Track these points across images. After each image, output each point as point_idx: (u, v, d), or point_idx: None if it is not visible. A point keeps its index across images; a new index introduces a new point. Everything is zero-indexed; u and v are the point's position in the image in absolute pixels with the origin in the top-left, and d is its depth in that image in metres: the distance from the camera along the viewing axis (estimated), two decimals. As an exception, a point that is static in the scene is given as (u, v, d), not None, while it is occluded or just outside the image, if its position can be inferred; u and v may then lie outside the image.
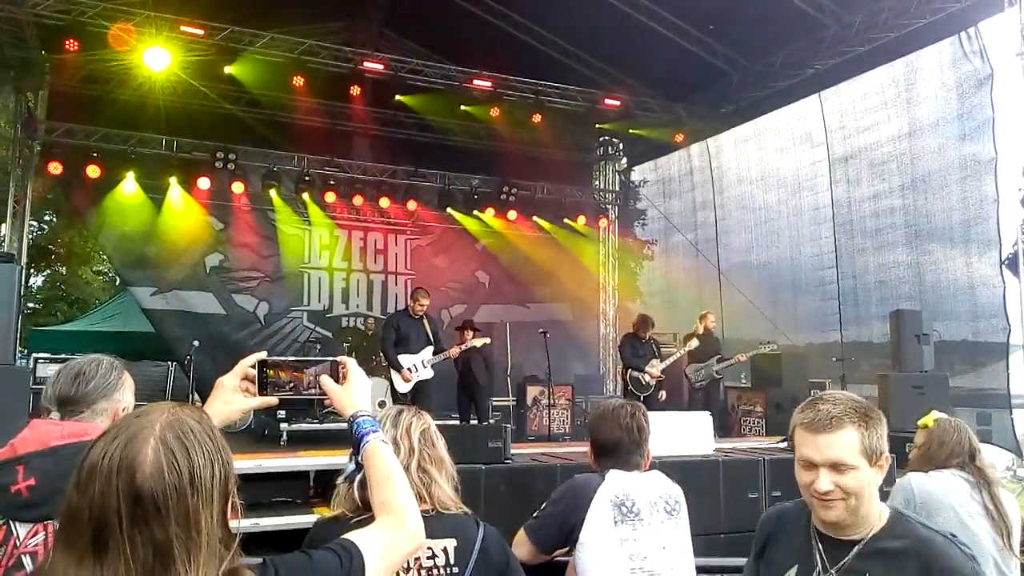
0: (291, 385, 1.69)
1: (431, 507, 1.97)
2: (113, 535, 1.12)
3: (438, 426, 2.22)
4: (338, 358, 1.72)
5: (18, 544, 1.77)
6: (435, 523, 1.94)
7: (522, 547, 2.62)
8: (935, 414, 3.36)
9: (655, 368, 9.16)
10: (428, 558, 1.92)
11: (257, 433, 10.54)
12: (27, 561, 1.76)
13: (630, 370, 9.21)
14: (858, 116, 10.86)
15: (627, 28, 10.75)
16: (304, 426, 9.77)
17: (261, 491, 6.02)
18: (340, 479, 1.95)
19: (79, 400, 1.96)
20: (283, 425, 9.50)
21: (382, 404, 9.88)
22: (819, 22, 9.86)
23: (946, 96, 9.61)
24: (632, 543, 2.59)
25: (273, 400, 1.68)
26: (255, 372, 1.67)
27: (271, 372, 1.68)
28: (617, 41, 11.42)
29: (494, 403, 10.86)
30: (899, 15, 9.22)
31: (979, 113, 9.18)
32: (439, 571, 1.92)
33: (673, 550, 2.65)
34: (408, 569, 1.89)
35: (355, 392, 1.66)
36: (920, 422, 3.37)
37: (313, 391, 1.69)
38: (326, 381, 1.67)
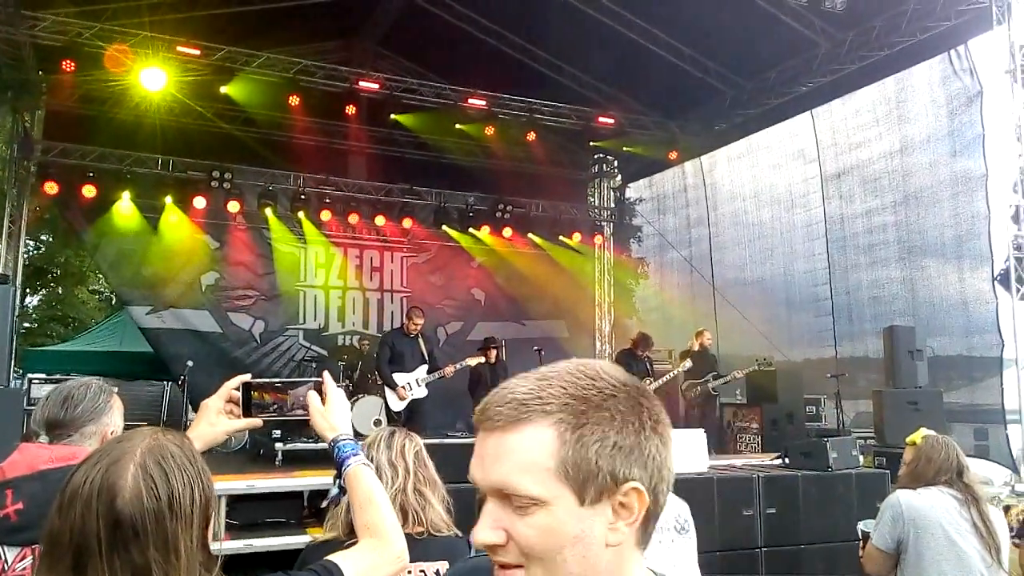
0: (275, 407, 1.71)
1: (424, 529, 1.98)
2: (93, 559, 1.14)
3: (434, 445, 2.24)
4: (317, 378, 1.72)
5: (6, 568, 1.78)
6: (428, 545, 1.95)
7: None
8: (923, 431, 3.38)
9: (650, 386, 9.15)
10: None
11: (252, 453, 10.49)
12: None
13: None
14: (850, 133, 10.94)
15: (621, 46, 10.84)
16: (299, 446, 9.71)
17: (255, 511, 6.00)
18: (324, 502, 1.95)
19: (67, 424, 1.97)
20: (278, 445, 9.45)
21: (377, 423, 9.85)
22: (811, 41, 9.95)
23: (937, 113, 9.70)
24: (644, 562, 2.58)
25: (257, 422, 1.71)
26: (239, 394, 1.69)
27: (256, 394, 1.70)
28: (611, 59, 11.50)
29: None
30: (889, 33, 9.32)
31: (969, 130, 9.26)
32: None
33: (684, 568, 2.65)
34: None
35: (334, 414, 1.66)
36: (908, 439, 3.39)
37: (299, 412, 1.70)
38: (311, 401, 1.67)
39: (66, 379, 8.29)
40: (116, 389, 2.15)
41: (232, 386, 1.70)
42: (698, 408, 9.66)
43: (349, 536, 1.92)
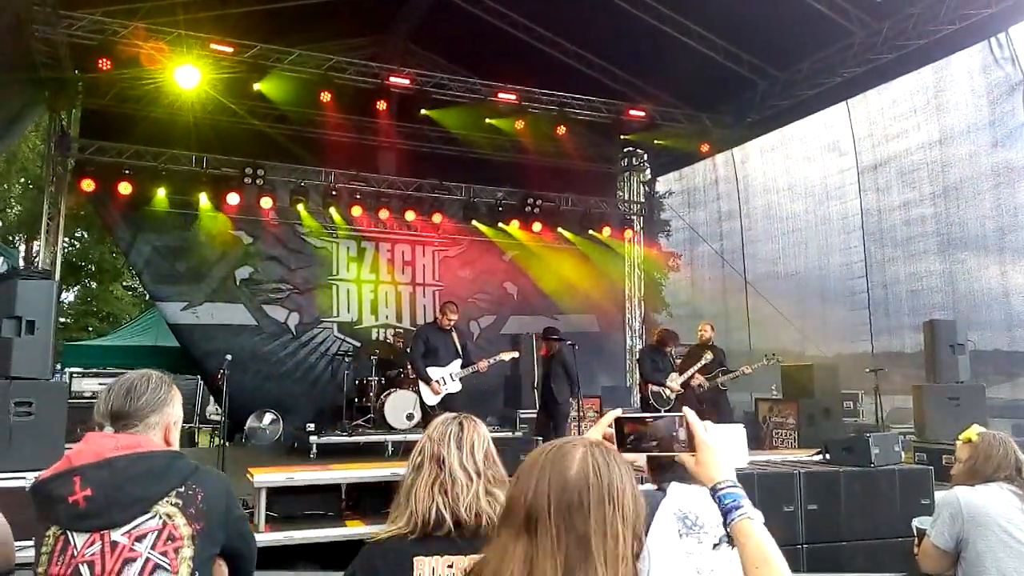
0: (653, 441, 1.69)
1: (492, 528, 1.96)
2: (542, 520, 1.32)
3: None
4: (678, 414, 1.66)
5: (75, 553, 1.80)
6: (488, 538, 1.93)
7: None
8: (977, 428, 3.32)
9: (674, 382, 9.09)
10: None
11: (286, 446, 10.62)
12: (84, 570, 1.78)
13: (650, 384, 9.14)
14: (887, 124, 10.75)
15: (652, 39, 10.76)
16: (334, 439, 9.83)
17: (294, 504, 6.03)
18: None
19: (131, 414, 1.99)
20: (312, 438, 9.56)
21: (410, 417, 9.92)
22: (846, 30, 9.78)
23: (977, 103, 9.49)
24: (698, 556, 2.57)
25: (638, 458, 1.73)
26: (612, 431, 1.70)
27: (627, 427, 1.70)
28: (642, 52, 11.43)
29: (521, 415, 10.84)
30: (928, 21, 9.13)
31: (1011, 120, 9.07)
32: None
33: (737, 564, 2.63)
34: None
35: (715, 460, 1.62)
36: (962, 436, 3.32)
37: (679, 447, 1.66)
38: (699, 439, 1.62)
39: (103, 373, 8.43)
40: (171, 380, 2.16)
41: (606, 422, 1.74)
42: (709, 403, 9.46)
43: (412, 531, 1.91)
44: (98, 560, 1.78)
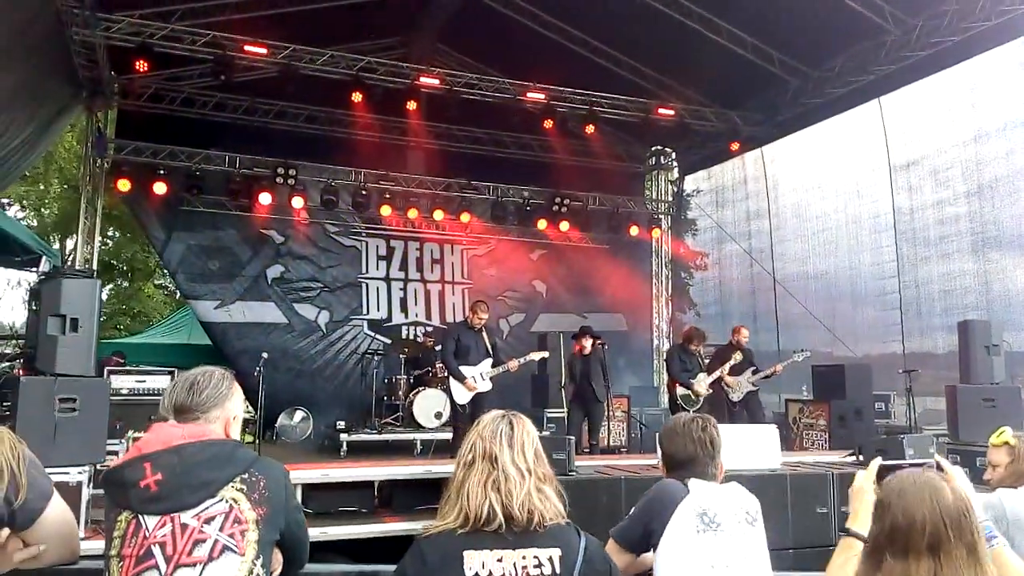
0: None
1: (544, 523, 1.99)
2: (942, 539, 1.64)
3: None
4: (927, 461, 2.08)
5: (147, 535, 1.87)
6: (539, 535, 1.96)
7: (615, 556, 2.64)
8: (1009, 430, 3.29)
9: (702, 383, 9.04)
10: (535, 567, 1.94)
11: (317, 443, 10.74)
12: (156, 551, 1.85)
13: (678, 384, 9.10)
14: (920, 122, 10.61)
15: (681, 37, 10.72)
16: (363, 437, 9.92)
17: (327, 500, 6.12)
18: None
19: (193, 408, 2.08)
20: (343, 436, 9.65)
21: (438, 415, 9.98)
22: (880, 27, 9.68)
23: (1014, 100, 9.34)
24: (714, 553, 2.61)
25: None
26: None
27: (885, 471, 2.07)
28: (671, 50, 11.40)
29: (548, 415, 10.85)
30: (963, 18, 9.00)
31: (1049, 117, 8.92)
32: None
33: (753, 561, 2.67)
34: None
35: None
36: (998, 440, 3.29)
37: None
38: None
39: (136, 371, 8.57)
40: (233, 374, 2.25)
41: (873, 469, 2.15)
42: (740, 405, 9.43)
43: (463, 526, 1.95)
44: (169, 541, 1.85)
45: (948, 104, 10.13)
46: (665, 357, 10.87)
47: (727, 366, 9.19)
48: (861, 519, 2.07)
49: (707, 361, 9.38)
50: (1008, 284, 9.44)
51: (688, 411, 8.68)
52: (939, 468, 1.97)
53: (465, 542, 1.93)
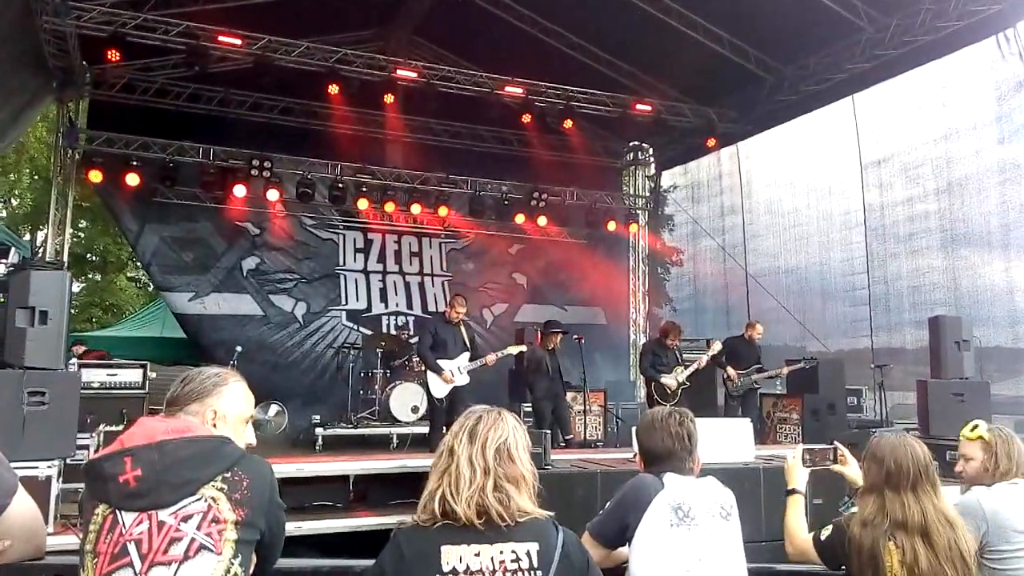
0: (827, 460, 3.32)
1: (510, 521, 1.97)
2: (919, 478, 2.66)
3: None
4: (833, 447, 3.05)
5: (123, 532, 1.84)
6: (515, 530, 1.96)
7: (590, 550, 2.66)
8: (982, 424, 3.33)
9: (680, 375, 9.08)
10: (512, 561, 1.94)
11: (292, 437, 10.66)
12: (131, 548, 1.82)
13: (650, 379, 9.17)
14: (891, 119, 10.75)
15: (659, 33, 10.77)
16: (339, 431, 9.87)
17: (301, 495, 6.09)
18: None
19: (177, 401, 2.08)
20: (318, 430, 9.60)
21: (415, 410, 9.95)
22: (854, 25, 9.78)
23: (983, 99, 9.50)
24: (688, 547, 2.63)
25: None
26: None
27: (806, 454, 3.29)
28: (648, 46, 11.44)
29: (526, 409, 10.87)
30: (936, 17, 9.13)
31: (1018, 116, 9.09)
32: (523, 574, 1.94)
33: (727, 554, 2.69)
34: (493, 572, 1.92)
35: (856, 471, 3.10)
36: (972, 434, 3.29)
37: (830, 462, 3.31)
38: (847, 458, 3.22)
39: (108, 364, 8.43)
40: (238, 377, 2.22)
41: (801, 452, 3.26)
42: (737, 400, 9.58)
43: (434, 519, 1.95)
44: (145, 539, 1.83)
45: (919, 102, 10.27)
46: (640, 351, 10.93)
47: (704, 359, 9.23)
48: (796, 483, 3.19)
49: (684, 355, 9.45)
50: (976, 280, 9.60)
51: (664, 404, 8.72)
52: (836, 452, 3.24)
53: (440, 536, 1.93)
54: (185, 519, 1.85)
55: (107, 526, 1.85)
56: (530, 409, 10.02)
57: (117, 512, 1.86)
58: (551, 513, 2.06)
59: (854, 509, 3.01)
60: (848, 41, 10.12)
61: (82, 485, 2.03)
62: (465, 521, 1.94)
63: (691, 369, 9.15)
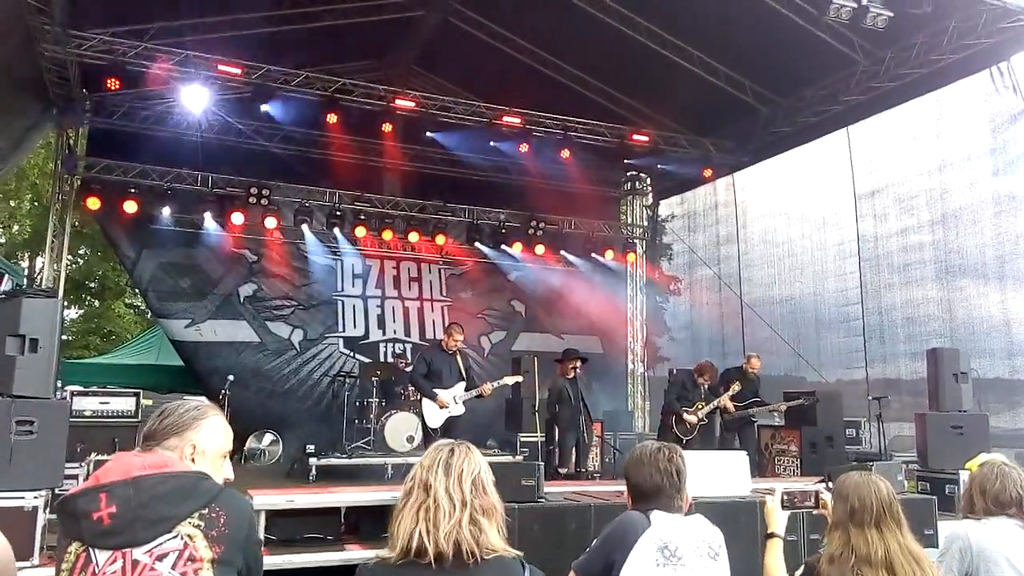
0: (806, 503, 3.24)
1: (478, 557, 1.95)
2: (882, 515, 2.61)
3: None
4: (814, 489, 2.87)
5: (96, 571, 1.80)
6: (481, 567, 1.93)
7: None
8: (983, 457, 3.32)
9: (701, 412, 9.19)
10: None
11: (286, 467, 10.57)
12: None
13: (672, 413, 9.23)
14: (886, 151, 10.79)
15: (655, 64, 10.86)
16: (333, 461, 9.76)
17: (292, 527, 5.99)
18: None
19: (155, 435, 2.03)
20: (312, 460, 9.50)
21: (410, 439, 9.87)
22: (850, 58, 9.87)
23: (978, 131, 9.54)
24: None
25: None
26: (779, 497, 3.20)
27: (784, 495, 3.23)
28: (645, 77, 11.53)
29: (522, 439, 10.79)
30: (931, 50, 9.21)
31: (1013, 148, 9.11)
32: None
33: None
34: None
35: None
36: (969, 465, 3.32)
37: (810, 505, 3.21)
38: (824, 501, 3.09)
39: (104, 392, 8.40)
40: (216, 410, 2.18)
41: (779, 494, 3.20)
42: (734, 432, 9.54)
43: (399, 556, 1.93)
44: None
45: (914, 134, 10.31)
46: (670, 380, 10.96)
47: (725, 398, 9.35)
48: (776, 526, 3.14)
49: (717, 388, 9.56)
50: (972, 311, 9.57)
51: (681, 438, 8.78)
52: (817, 496, 3.19)
53: (404, 574, 1.90)
54: (160, 558, 1.81)
55: (80, 564, 1.81)
56: (527, 440, 9.98)
57: (91, 550, 1.82)
58: (519, 553, 2.03)
59: None
60: (843, 73, 10.22)
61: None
62: (432, 558, 1.91)
63: (710, 407, 9.27)
